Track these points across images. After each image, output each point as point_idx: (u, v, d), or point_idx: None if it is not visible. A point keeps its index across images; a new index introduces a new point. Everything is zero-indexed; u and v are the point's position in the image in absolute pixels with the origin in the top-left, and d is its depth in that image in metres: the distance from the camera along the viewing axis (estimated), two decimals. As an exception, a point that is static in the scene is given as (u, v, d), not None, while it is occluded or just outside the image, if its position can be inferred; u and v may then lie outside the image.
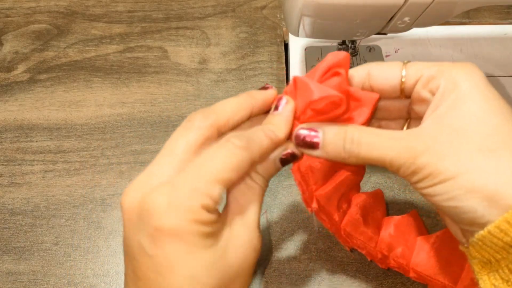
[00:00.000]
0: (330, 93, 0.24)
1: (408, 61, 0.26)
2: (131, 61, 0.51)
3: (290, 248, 0.36)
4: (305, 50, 0.51)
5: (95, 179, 0.42)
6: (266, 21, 0.55)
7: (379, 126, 0.30)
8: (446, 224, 0.27)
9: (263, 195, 0.26)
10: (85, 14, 0.56)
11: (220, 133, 0.25)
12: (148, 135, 0.44)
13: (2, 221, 0.39)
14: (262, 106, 0.27)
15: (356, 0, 0.31)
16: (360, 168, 0.32)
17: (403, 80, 0.26)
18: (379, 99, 0.27)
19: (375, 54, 0.50)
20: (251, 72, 0.49)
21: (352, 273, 0.35)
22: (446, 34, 0.53)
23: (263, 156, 0.25)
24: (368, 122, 0.27)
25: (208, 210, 0.22)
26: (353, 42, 0.43)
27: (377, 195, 0.35)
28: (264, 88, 0.27)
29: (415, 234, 0.33)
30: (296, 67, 0.50)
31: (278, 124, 0.26)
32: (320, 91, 0.25)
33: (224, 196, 0.24)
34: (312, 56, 0.50)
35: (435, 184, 0.22)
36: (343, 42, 0.44)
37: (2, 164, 0.42)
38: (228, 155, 0.23)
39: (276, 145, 0.25)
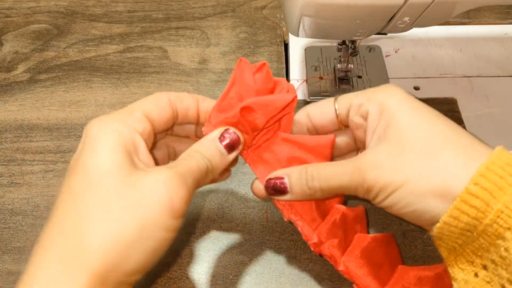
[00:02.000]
0: (288, 99, 0.29)
1: (337, 96, 0.30)
2: (131, 61, 0.51)
3: (290, 248, 0.36)
4: (305, 50, 0.51)
5: (95, 179, 0.42)
6: (266, 21, 0.55)
7: None
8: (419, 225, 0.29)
9: (204, 172, 0.26)
10: (85, 14, 0.56)
11: (175, 109, 0.29)
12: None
13: (2, 221, 0.39)
14: (208, 104, 0.30)
15: (356, 0, 0.31)
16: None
17: (337, 112, 0.29)
18: (334, 139, 0.30)
19: (375, 54, 0.50)
20: (251, 72, 0.49)
21: (352, 273, 0.35)
22: (446, 34, 0.53)
23: (206, 180, 0.27)
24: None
25: (132, 127, 0.25)
26: (353, 42, 0.43)
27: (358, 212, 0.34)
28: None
29: (356, 230, 0.32)
30: (296, 67, 0.50)
31: (219, 163, 0.27)
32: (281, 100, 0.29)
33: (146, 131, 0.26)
34: (312, 56, 0.50)
35: (388, 196, 0.25)
36: (343, 42, 0.44)
37: (2, 164, 0.43)
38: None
39: (211, 172, 0.27)
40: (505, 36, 0.53)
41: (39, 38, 0.54)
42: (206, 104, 0.30)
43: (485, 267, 0.23)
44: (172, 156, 0.32)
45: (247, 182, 0.40)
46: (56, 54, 0.52)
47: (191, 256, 0.36)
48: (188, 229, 0.37)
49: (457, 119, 0.44)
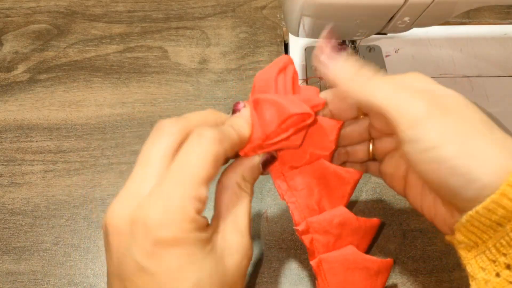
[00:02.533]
0: (305, 110, 0.27)
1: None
2: (131, 61, 0.51)
3: (290, 248, 0.36)
4: (305, 50, 0.51)
5: (95, 179, 0.42)
6: (266, 21, 0.55)
7: (346, 153, 0.31)
8: (433, 220, 0.27)
9: (251, 201, 0.27)
10: (85, 14, 0.56)
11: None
12: (148, 135, 0.44)
13: (2, 221, 0.39)
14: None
15: (356, 0, 0.31)
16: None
17: None
18: (342, 125, 0.29)
19: (375, 54, 0.50)
20: (251, 72, 0.49)
21: (352, 273, 0.35)
22: (446, 34, 0.53)
23: (234, 151, 0.25)
24: (334, 151, 0.30)
25: (199, 212, 0.22)
26: (353, 42, 0.43)
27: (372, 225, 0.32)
28: (237, 104, 0.28)
29: (352, 242, 0.31)
30: (296, 67, 0.50)
31: (241, 124, 0.26)
32: (295, 106, 0.27)
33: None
34: (312, 56, 0.50)
35: (439, 146, 0.22)
36: (343, 42, 0.44)
37: (2, 164, 0.43)
38: (205, 151, 0.23)
39: (242, 143, 0.26)
40: (505, 36, 0.53)
41: (39, 38, 0.54)
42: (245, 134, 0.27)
43: (508, 267, 0.23)
44: None
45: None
46: (56, 54, 0.52)
47: (191, 256, 0.36)
48: (188, 229, 0.37)
49: (457, 119, 0.44)
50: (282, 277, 0.34)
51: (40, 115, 0.46)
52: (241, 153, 0.27)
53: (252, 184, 0.27)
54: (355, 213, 0.36)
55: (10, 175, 0.42)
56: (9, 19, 0.56)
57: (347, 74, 0.26)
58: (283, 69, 0.29)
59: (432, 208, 0.27)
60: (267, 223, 0.37)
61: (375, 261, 0.30)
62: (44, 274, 0.36)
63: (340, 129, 0.29)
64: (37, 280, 0.36)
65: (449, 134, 0.22)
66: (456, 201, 0.23)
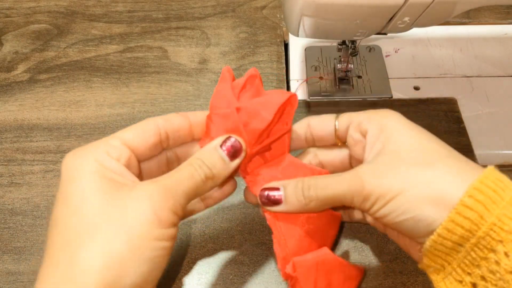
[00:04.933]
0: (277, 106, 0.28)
1: (339, 114, 0.31)
2: (131, 61, 0.51)
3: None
4: (305, 50, 0.51)
5: (95, 179, 0.42)
6: (266, 21, 0.55)
7: None
8: (408, 250, 0.30)
9: (200, 181, 0.26)
10: (85, 14, 0.56)
11: (164, 132, 0.28)
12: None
13: (2, 221, 0.39)
14: (201, 120, 0.30)
15: (356, 0, 0.31)
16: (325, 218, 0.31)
17: (337, 127, 0.30)
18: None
19: (375, 54, 0.50)
20: (251, 72, 0.49)
21: (352, 273, 0.35)
22: (446, 34, 0.53)
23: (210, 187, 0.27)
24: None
25: (109, 155, 0.25)
26: (353, 42, 0.43)
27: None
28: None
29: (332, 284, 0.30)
30: (296, 67, 0.50)
31: (221, 170, 0.27)
32: (269, 110, 0.28)
33: (126, 157, 0.26)
34: (312, 56, 0.50)
35: (386, 204, 0.25)
36: (343, 42, 0.44)
37: (2, 164, 0.43)
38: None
39: (219, 178, 0.27)
40: (505, 36, 0.53)
41: (39, 38, 0.54)
42: (199, 118, 0.30)
43: (474, 286, 0.24)
44: (176, 163, 0.32)
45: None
46: (56, 54, 0.52)
47: (190, 256, 0.36)
48: (188, 230, 0.37)
49: (457, 119, 0.44)
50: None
51: (40, 115, 0.46)
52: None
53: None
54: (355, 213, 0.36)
55: (10, 175, 0.42)
56: (9, 19, 0.56)
57: (298, 203, 0.28)
58: (244, 86, 0.30)
59: (408, 241, 0.29)
60: (267, 223, 0.37)
61: (347, 265, 0.30)
62: (44, 274, 0.36)
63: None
64: (37, 280, 0.36)
65: (390, 192, 0.25)
66: (417, 239, 0.26)
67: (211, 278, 0.35)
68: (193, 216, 0.38)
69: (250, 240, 0.36)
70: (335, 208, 0.32)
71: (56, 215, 0.24)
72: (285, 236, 0.29)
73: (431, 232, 0.24)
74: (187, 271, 0.35)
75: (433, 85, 0.48)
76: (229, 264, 0.35)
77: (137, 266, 0.23)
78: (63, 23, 0.55)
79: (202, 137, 0.30)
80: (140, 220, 0.23)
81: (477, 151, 0.41)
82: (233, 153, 0.27)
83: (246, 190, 0.32)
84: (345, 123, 0.30)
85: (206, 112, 0.30)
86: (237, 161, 0.28)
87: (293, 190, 0.28)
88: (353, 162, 0.32)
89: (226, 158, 0.27)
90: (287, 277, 0.29)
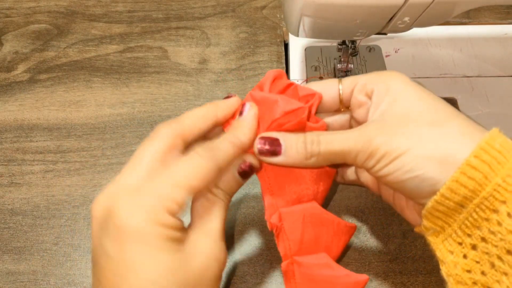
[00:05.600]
0: (296, 106, 0.27)
1: (341, 78, 0.30)
2: (131, 61, 0.51)
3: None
4: (305, 50, 0.51)
5: (95, 179, 0.42)
6: (266, 21, 0.55)
7: None
8: (403, 212, 0.29)
9: (226, 209, 0.27)
10: (85, 14, 0.56)
11: (186, 142, 0.26)
12: (148, 135, 0.44)
13: (2, 221, 0.39)
14: (226, 114, 0.28)
15: (356, 0, 0.31)
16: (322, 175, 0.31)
17: (340, 92, 0.29)
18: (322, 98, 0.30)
19: (375, 54, 0.50)
20: (251, 72, 0.49)
21: (352, 273, 0.35)
22: (446, 34, 0.53)
23: (230, 163, 0.27)
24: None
25: (172, 214, 0.23)
26: (353, 42, 0.43)
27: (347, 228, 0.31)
28: (228, 97, 0.29)
29: (326, 243, 0.30)
30: (296, 67, 0.50)
31: (241, 128, 0.27)
32: (286, 104, 0.27)
33: (189, 204, 0.25)
34: (312, 56, 0.50)
35: (391, 161, 0.24)
36: (343, 42, 0.44)
37: (2, 164, 0.43)
38: (194, 165, 0.24)
39: (241, 150, 0.27)
40: (505, 36, 0.53)
41: (39, 38, 0.54)
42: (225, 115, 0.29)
43: (474, 247, 0.24)
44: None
45: (247, 183, 0.40)
46: (56, 54, 0.52)
47: (191, 256, 0.36)
48: (188, 229, 0.37)
49: (457, 119, 0.44)
50: (283, 277, 0.34)
51: (40, 115, 0.46)
52: None
53: (228, 193, 0.27)
54: (355, 213, 0.36)
55: (10, 175, 0.42)
56: (9, 19, 0.56)
57: (300, 154, 0.27)
58: (274, 81, 0.30)
59: (404, 203, 0.29)
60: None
61: (337, 220, 0.30)
62: (44, 274, 0.36)
63: (320, 99, 0.30)
64: (37, 280, 0.36)
65: (397, 149, 0.24)
66: (419, 199, 0.25)
67: (211, 278, 0.35)
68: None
69: (250, 240, 0.36)
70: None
71: (122, 284, 0.22)
72: (272, 187, 0.29)
73: (434, 193, 0.24)
74: (187, 271, 0.35)
75: (433, 85, 0.48)
76: (229, 264, 0.35)
77: None
78: (63, 23, 0.55)
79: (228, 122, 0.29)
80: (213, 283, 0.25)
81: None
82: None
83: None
84: (350, 86, 0.29)
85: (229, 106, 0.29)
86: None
87: (294, 142, 0.27)
88: (353, 126, 0.31)
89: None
90: (273, 227, 0.29)
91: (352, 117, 0.30)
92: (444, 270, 0.25)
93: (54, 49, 0.52)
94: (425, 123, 0.25)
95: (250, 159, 0.28)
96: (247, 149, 0.27)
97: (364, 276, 0.29)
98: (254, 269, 0.35)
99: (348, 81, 0.29)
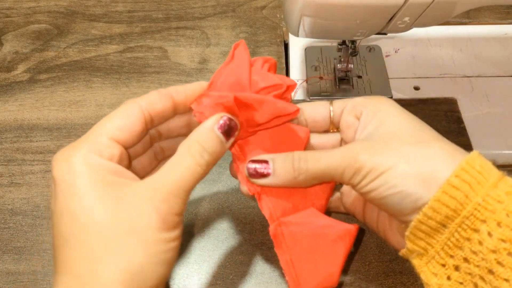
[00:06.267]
0: (274, 82, 0.29)
1: (332, 100, 0.31)
2: (131, 61, 0.51)
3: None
4: (305, 50, 0.51)
5: (95, 179, 0.42)
6: (266, 21, 0.55)
7: None
8: (387, 235, 0.30)
9: (199, 173, 0.26)
10: (85, 14, 0.56)
11: (148, 116, 0.27)
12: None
13: (2, 221, 0.39)
14: (184, 97, 0.29)
15: (356, 0, 0.31)
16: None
17: (331, 114, 0.31)
18: (310, 133, 0.31)
19: (375, 54, 0.50)
20: (251, 72, 0.49)
21: (352, 273, 0.35)
22: (446, 34, 0.53)
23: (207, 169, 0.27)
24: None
25: (101, 155, 0.25)
26: (353, 42, 0.43)
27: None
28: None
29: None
30: (296, 67, 0.50)
31: (219, 152, 0.27)
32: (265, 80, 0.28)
33: (117, 153, 0.26)
34: (312, 56, 0.50)
35: (376, 177, 0.25)
36: (343, 42, 0.44)
37: (2, 164, 0.43)
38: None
39: (217, 158, 0.27)
40: (505, 36, 0.53)
41: (39, 38, 0.54)
42: (181, 96, 0.29)
43: (457, 268, 0.24)
44: (160, 155, 0.31)
45: (247, 182, 0.40)
46: (56, 54, 0.52)
47: (191, 256, 0.36)
48: (188, 229, 0.37)
49: (457, 119, 0.44)
50: (282, 277, 0.34)
51: (40, 115, 0.46)
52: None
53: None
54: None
55: (10, 175, 0.42)
56: (9, 19, 0.56)
57: (288, 175, 0.28)
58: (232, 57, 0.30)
59: (387, 225, 0.29)
60: (267, 223, 0.37)
61: (337, 223, 0.29)
62: (44, 274, 0.36)
63: (309, 136, 0.31)
64: (37, 280, 0.36)
65: (380, 167, 0.25)
66: (401, 216, 0.26)
67: (211, 278, 0.35)
68: (193, 216, 0.38)
69: (250, 240, 0.36)
70: None
71: (63, 228, 0.24)
72: (272, 204, 0.29)
73: (416, 209, 0.24)
74: (187, 271, 0.35)
75: (433, 85, 0.48)
76: (229, 264, 0.35)
77: (155, 270, 0.23)
78: (63, 23, 0.55)
79: (195, 102, 0.29)
80: (149, 227, 0.23)
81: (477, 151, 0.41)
82: (228, 132, 0.27)
83: (231, 164, 0.31)
84: (340, 107, 0.30)
85: (188, 86, 0.29)
86: (232, 140, 0.27)
87: (282, 163, 0.28)
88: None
89: (223, 139, 0.27)
90: (254, 193, 0.29)
91: (342, 139, 0.31)
92: None
93: (54, 49, 0.52)
94: (409, 142, 0.26)
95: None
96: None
97: (354, 225, 0.29)
98: (254, 269, 0.35)
99: (339, 103, 0.31)
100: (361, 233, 0.37)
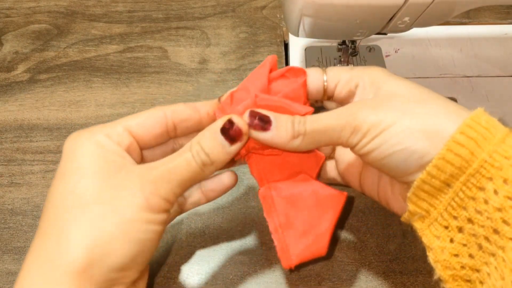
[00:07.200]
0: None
1: (326, 68, 0.30)
2: (131, 61, 0.51)
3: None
4: (305, 50, 0.51)
5: (95, 179, 0.42)
6: (266, 21, 0.55)
7: None
8: (389, 201, 0.29)
9: (195, 168, 0.26)
10: (85, 14, 0.56)
11: (171, 122, 0.28)
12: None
13: (2, 221, 0.39)
14: (210, 107, 0.29)
15: (356, 0, 0.31)
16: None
17: (325, 83, 0.29)
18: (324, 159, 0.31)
19: (375, 54, 0.50)
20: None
21: (352, 273, 0.35)
22: (446, 34, 0.53)
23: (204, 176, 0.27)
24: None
25: (110, 138, 0.26)
26: (353, 42, 0.43)
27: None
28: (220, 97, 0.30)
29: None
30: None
31: (220, 155, 0.27)
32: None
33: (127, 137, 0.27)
34: (312, 56, 0.50)
35: (377, 135, 0.24)
36: (343, 42, 0.44)
37: (2, 164, 0.43)
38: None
39: (215, 167, 0.27)
40: (505, 36, 0.53)
41: (39, 38, 0.54)
42: (207, 108, 0.29)
43: (460, 230, 0.23)
44: None
45: (247, 182, 0.40)
46: (56, 54, 0.52)
47: (190, 256, 0.36)
48: (188, 229, 0.37)
49: (457, 119, 0.44)
50: (282, 277, 0.34)
51: (40, 115, 0.46)
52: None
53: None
54: (355, 213, 0.36)
55: (10, 175, 0.42)
56: (9, 19, 0.56)
57: (287, 134, 0.27)
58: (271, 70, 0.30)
59: (389, 190, 0.28)
60: (267, 223, 0.37)
61: (327, 188, 0.29)
62: (44, 274, 0.36)
63: (323, 163, 0.31)
64: (37, 280, 0.36)
65: (381, 125, 0.24)
66: (405, 177, 0.24)
67: (211, 278, 0.35)
68: (193, 216, 0.38)
69: (250, 240, 0.36)
70: None
71: (53, 191, 0.25)
72: (262, 167, 0.30)
73: (421, 166, 0.23)
74: (187, 271, 0.35)
75: (433, 85, 0.48)
76: (229, 264, 0.35)
77: (124, 247, 0.23)
78: (63, 23, 0.55)
79: (217, 109, 0.29)
80: (130, 203, 0.24)
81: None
82: (233, 137, 0.26)
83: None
84: (334, 79, 0.29)
85: (214, 101, 0.30)
86: (237, 146, 0.26)
87: (284, 121, 0.27)
88: None
89: (226, 143, 0.26)
90: (241, 156, 0.29)
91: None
92: (431, 257, 0.24)
93: (54, 49, 0.52)
94: (411, 100, 0.25)
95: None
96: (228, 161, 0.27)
97: (343, 193, 0.29)
98: (254, 269, 0.35)
99: (332, 73, 0.29)
100: (361, 232, 0.37)
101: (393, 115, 0.24)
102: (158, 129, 0.28)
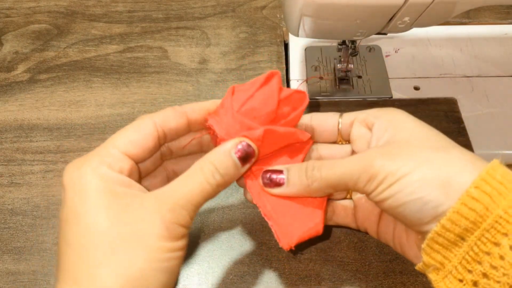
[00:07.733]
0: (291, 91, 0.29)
1: (343, 113, 0.31)
2: (131, 61, 0.51)
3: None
4: (305, 50, 0.51)
5: (95, 179, 0.42)
6: (266, 21, 0.55)
7: None
8: (404, 249, 0.29)
9: (209, 193, 0.26)
10: (85, 14, 0.56)
11: (161, 132, 0.28)
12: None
13: (2, 221, 0.39)
14: (199, 115, 0.29)
15: (356, 0, 0.31)
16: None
17: (339, 126, 0.31)
18: (311, 139, 0.31)
19: (375, 54, 0.50)
20: (251, 72, 0.49)
21: (352, 273, 0.35)
22: (446, 34, 0.53)
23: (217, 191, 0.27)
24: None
25: (112, 168, 0.25)
26: (353, 42, 0.43)
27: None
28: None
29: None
30: (296, 67, 0.50)
31: (233, 176, 0.27)
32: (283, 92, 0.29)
33: (128, 164, 0.26)
34: (312, 56, 0.50)
35: (393, 183, 0.24)
36: (343, 42, 0.44)
37: (2, 164, 0.43)
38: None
39: (227, 183, 0.28)
40: (505, 36, 0.53)
41: (39, 38, 0.54)
42: (196, 115, 0.29)
43: (475, 284, 0.23)
44: (173, 178, 0.31)
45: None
46: (56, 54, 0.52)
47: (191, 256, 0.36)
48: (188, 229, 0.37)
49: (457, 119, 0.44)
50: (282, 277, 0.34)
51: (40, 115, 0.46)
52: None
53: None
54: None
55: (10, 175, 0.42)
56: (9, 19, 0.56)
57: (302, 183, 0.28)
58: (265, 83, 0.30)
59: (404, 238, 0.29)
60: (267, 223, 0.37)
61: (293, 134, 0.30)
62: (44, 274, 0.36)
63: (311, 142, 0.32)
64: (37, 280, 0.36)
65: (397, 173, 0.24)
66: (420, 226, 0.25)
67: (211, 278, 0.35)
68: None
69: (250, 240, 0.36)
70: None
71: (68, 233, 0.24)
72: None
73: (436, 217, 0.23)
74: (187, 271, 0.35)
75: (433, 85, 0.48)
76: (229, 264, 0.35)
77: (156, 278, 0.23)
78: (63, 23, 0.55)
79: (211, 114, 0.29)
80: (153, 235, 0.24)
81: (477, 151, 0.41)
82: (245, 158, 0.27)
83: (245, 190, 0.32)
84: (349, 119, 0.30)
85: (203, 105, 0.29)
86: (247, 166, 0.28)
87: (296, 172, 0.28)
88: None
89: (239, 164, 0.27)
90: (249, 188, 0.30)
91: (352, 151, 0.31)
92: None
93: (54, 49, 0.52)
94: (427, 148, 0.25)
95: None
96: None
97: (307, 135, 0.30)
98: (254, 269, 0.35)
99: (349, 114, 0.30)
100: (361, 232, 0.37)
101: (410, 164, 0.24)
102: (151, 142, 0.27)
